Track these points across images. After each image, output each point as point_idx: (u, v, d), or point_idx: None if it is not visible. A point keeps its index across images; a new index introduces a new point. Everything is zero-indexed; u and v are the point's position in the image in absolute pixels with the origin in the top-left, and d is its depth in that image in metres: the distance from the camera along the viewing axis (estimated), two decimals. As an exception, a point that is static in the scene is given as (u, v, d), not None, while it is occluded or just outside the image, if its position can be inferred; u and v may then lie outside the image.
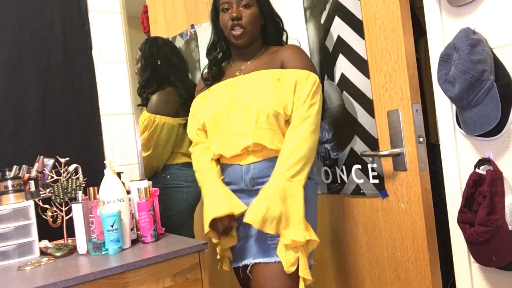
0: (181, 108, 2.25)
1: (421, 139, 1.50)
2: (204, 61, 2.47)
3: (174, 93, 2.28)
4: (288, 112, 1.50)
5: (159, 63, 2.31)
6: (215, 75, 1.68)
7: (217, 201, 1.51)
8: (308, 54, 1.82)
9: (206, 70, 1.74)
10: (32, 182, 1.45)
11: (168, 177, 2.27)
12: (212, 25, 1.70)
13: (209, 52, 1.72)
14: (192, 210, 2.33)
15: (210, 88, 1.67)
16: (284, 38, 1.70)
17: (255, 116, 1.48)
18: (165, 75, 2.31)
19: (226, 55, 1.73)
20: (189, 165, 1.91)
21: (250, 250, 1.52)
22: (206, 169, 1.59)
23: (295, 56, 1.57)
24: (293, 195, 1.42)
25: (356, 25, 1.63)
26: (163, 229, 1.58)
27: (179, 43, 2.66)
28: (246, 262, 1.53)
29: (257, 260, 1.49)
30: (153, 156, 2.23)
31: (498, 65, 1.25)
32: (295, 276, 1.44)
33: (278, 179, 1.43)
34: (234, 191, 1.57)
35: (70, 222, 1.40)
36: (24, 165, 1.45)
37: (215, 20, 1.67)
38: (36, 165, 1.48)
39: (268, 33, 1.66)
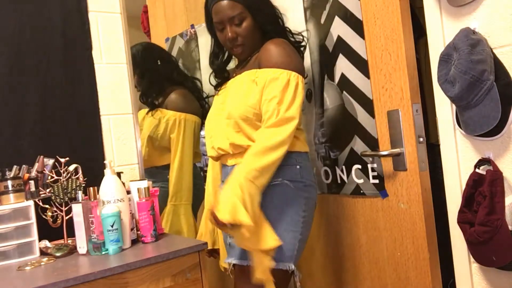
0: (200, 106, 2.25)
1: (421, 139, 1.50)
2: (204, 61, 2.47)
3: (187, 92, 2.26)
4: (259, 113, 1.48)
5: (159, 62, 2.29)
6: (221, 82, 1.72)
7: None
8: (308, 54, 1.82)
9: (211, 77, 1.75)
10: (32, 182, 1.45)
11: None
12: (210, 35, 1.69)
13: (211, 62, 1.72)
14: (195, 208, 2.31)
15: (218, 93, 1.72)
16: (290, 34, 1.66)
17: (227, 121, 1.52)
18: (169, 75, 2.27)
19: (232, 57, 1.75)
20: None
21: (235, 248, 1.55)
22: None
23: (269, 54, 1.50)
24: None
25: (356, 25, 1.63)
26: (163, 229, 1.58)
27: (179, 43, 2.66)
28: (229, 260, 1.56)
29: (235, 261, 1.52)
30: (185, 159, 2.14)
31: (498, 65, 1.25)
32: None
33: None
34: None
35: (70, 222, 1.40)
36: (24, 165, 1.45)
37: (212, 32, 1.65)
38: (36, 165, 1.48)
39: (269, 36, 1.63)
